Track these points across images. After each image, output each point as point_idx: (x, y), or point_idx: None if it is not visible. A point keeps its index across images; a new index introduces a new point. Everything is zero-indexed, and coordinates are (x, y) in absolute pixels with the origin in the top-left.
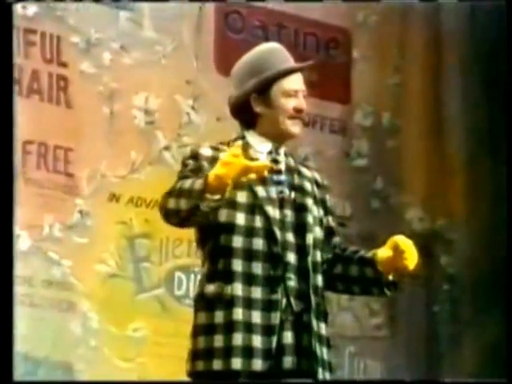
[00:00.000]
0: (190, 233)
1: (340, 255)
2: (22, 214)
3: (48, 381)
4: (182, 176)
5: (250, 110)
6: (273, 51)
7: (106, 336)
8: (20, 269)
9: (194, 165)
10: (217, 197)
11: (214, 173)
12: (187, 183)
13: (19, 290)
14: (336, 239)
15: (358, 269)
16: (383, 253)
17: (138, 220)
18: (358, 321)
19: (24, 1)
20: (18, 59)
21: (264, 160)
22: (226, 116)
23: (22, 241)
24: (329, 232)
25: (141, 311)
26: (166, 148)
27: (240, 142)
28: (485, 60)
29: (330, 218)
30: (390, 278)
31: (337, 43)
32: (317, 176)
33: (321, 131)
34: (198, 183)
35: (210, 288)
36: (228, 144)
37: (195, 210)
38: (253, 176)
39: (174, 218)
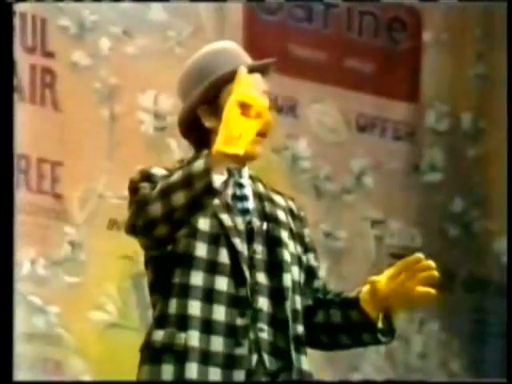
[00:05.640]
0: None
1: (322, 300)
2: None
3: (48, 381)
4: (143, 194)
5: (200, 125)
6: (222, 51)
7: None
8: None
9: (149, 186)
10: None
11: (219, 139)
12: (175, 177)
13: None
14: (318, 282)
15: (341, 313)
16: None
17: None
18: None
19: (24, 1)
20: None
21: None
22: None
23: None
24: (310, 273)
25: None
26: (181, 161)
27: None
28: None
29: (312, 256)
30: (379, 323)
31: (402, 24)
32: (292, 205)
33: (381, 138)
34: (197, 165)
35: (159, 335)
36: (188, 162)
37: (204, 195)
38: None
39: (164, 224)
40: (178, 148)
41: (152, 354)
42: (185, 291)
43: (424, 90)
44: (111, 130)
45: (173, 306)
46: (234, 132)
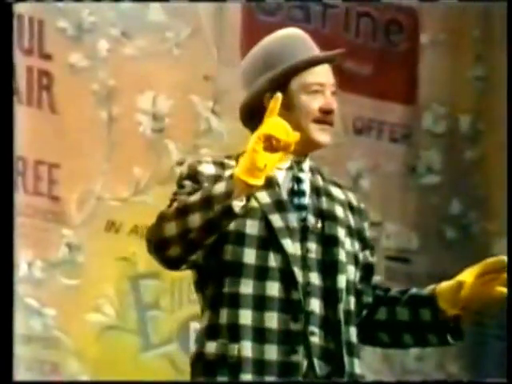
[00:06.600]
0: None
1: (383, 297)
2: None
3: (48, 381)
4: (163, 210)
5: (264, 113)
6: (291, 38)
7: None
8: None
9: (192, 187)
10: (243, 201)
11: (242, 165)
12: (193, 197)
13: None
14: (377, 278)
15: (410, 311)
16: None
17: (144, 255)
18: None
19: (24, 1)
20: None
21: (282, 178)
22: None
23: None
24: (368, 270)
25: (147, 373)
26: (180, 163)
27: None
28: None
29: (368, 253)
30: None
31: (399, 26)
32: (351, 198)
33: (378, 140)
34: (218, 187)
35: (211, 347)
36: (237, 158)
37: (222, 218)
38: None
39: (177, 245)
40: (176, 149)
41: (206, 366)
42: (235, 301)
43: (421, 92)
44: (109, 131)
45: (223, 316)
46: (258, 164)
